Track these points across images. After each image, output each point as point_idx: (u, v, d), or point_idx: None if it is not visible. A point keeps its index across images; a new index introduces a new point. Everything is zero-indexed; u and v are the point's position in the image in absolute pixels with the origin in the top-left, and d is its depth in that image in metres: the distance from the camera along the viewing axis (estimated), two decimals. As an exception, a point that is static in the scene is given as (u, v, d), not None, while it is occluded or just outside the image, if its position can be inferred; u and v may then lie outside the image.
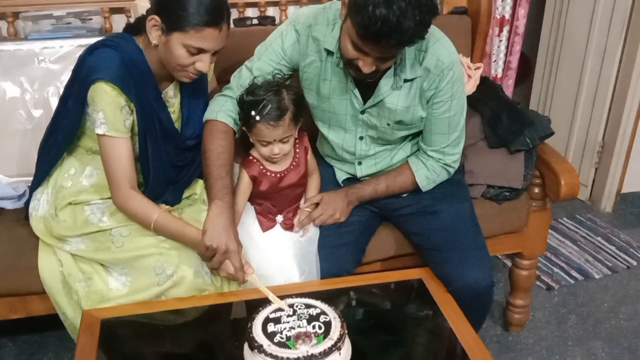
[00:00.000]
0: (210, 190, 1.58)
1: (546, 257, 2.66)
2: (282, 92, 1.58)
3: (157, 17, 1.45)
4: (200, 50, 1.46)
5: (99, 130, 1.50)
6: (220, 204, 1.54)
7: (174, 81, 1.64)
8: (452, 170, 1.77)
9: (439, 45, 1.59)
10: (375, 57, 1.45)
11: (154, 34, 1.48)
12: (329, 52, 1.62)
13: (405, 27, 1.34)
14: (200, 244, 1.50)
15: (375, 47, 1.41)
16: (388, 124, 1.68)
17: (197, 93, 1.69)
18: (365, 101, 1.66)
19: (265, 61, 1.67)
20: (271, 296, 1.40)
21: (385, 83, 1.61)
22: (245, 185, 1.67)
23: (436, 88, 1.61)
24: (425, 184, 1.76)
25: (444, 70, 1.59)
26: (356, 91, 1.65)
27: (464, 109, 1.71)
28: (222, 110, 1.65)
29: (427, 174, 1.75)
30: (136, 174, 1.60)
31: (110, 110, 1.48)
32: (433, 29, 1.58)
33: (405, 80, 1.61)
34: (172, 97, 1.65)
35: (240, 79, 1.69)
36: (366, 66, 1.47)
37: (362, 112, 1.68)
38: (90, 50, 1.53)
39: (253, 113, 1.55)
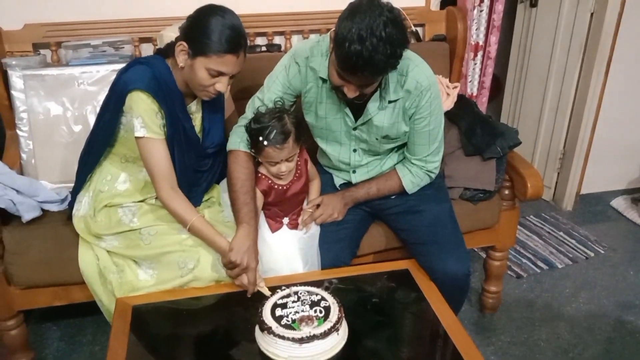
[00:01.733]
0: (237, 215, 1.58)
1: (516, 250, 2.66)
2: (284, 117, 1.58)
3: (184, 43, 1.47)
4: (220, 73, 1.47)
5: (139, 133, 1.49)
6: (247, 227, 1.54)
7: (196, 98, 1.65)
8: (433, 176, 1.77)
9: (418, 70, 1.59)
10: (356, 85, 1.45)
11: (182, 58, 1.49)
12: (324, 80, 1.62)
13: (376, 61, 1.34)
14: (226, 255, 1.50)
15: (354, 77, 1.41)
16: (376, 139, 1.68)
17: (216, 109, 1.70)
18: (356, 119, 1.66)
19: (274, 91, 1.66)
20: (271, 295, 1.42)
21: (373, 105, 1.61)
22: (258, 199, 1.67)
23: (417, 107, 1.61)
24: (410, 188, 1.76)
25: (422, 91, 1.58)
26: (348, 111, 1.65)
27: (442, 123, 1.71)
28: (242, 141, 1.64)
29: (412, 179, 1.74)
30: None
31: (147, 115, 1.49)
32: (413, 56, 1.60)
33: (390, 102, 1.61)
34: (195, 112, 1.66)
35: (254, 109, 1.67)
36: (350, 92, 1.47)
37: (354, 129, 1.68)
38: (126, 68, 1.55)
39: (261, 139, 1.55)
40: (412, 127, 1.66)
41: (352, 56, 1.33)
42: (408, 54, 1.58)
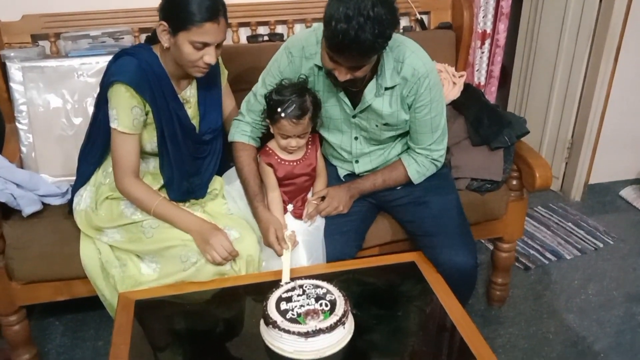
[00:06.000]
0: (250, 202, 1.67)
1: (523, 241, 2.64)
2: (305, 94, 1.59)
3: (164, 23, 1.47)
4: (205, 44, 1.47)
5: (112, 125, 1.52)
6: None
7: (191, 83, 1.65)
8: (439, 164, 1.75)
9: (415, 56, 1.57)
10: (347, 67, 1.44)
11: (164, 38, 1.49)
12: (319, 67, 1.61)
13: (362, 39, 1.33)
14: (192, 232, 1.54)
15: (342, 57, 1.40)
16: (376, 126, 1.68)
17: (212, 92, 1.71)
18: (355, 107, 1.65)
19: (267, 86, 1.67)
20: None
21: (369, 91, 1.60)
22: (270, 174, 1.69)
23: (415, 94, 1.60)
24: (416, 177, 1.74)
25: (420, 78, 1.57)
26: (346, 99, 1.64)
27: (444, 110, 1.69)
28: (237, 132, 1.73)
29: (418, 169, 1.73)
30: (158, 174, 1.63)
31: (121, 109, 1.50)
32: (410, 43, 1.59)
33: (386, 88, 1.60)
34: (189, 97, 1.66)
35: (249, 104, 1.73)
36: (341, 75, 1.46)
37: (354, 116, 1.68)
38: (115, 58, 1.56)
39: (279, 110, 1.56)
40: (414, 116, 1.65)
41: (338, 35, 1.32)
42: (405, 40, 1.59)
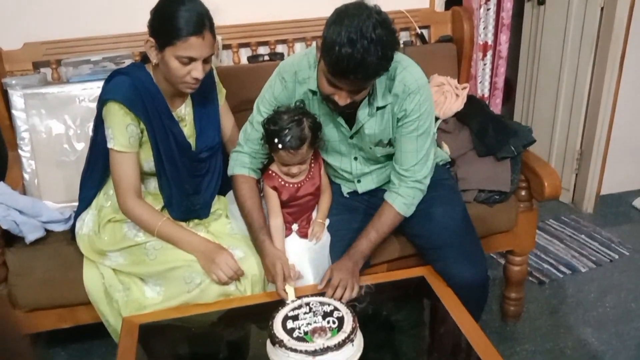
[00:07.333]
0: (256, 235, 1.61)
1: (536, 255, 2.60)
2: (303, 121, 1.56)
3: (151, 39, 1.48)
4: (191, 59, 1.47)
5: (109, 145, 1.52)
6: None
7: (186, 101, 1.65)
8: (423, 187, 1.65)
9: (406, 72, 1.55)
10: (348, 91, 1.43)
11: (153, 54, 1.50)
12: (314, 92, 1.59)
13: (368, 63, 1.32)
14: (198, 252, 1.53)
15: (346, 81, 1.39)
16: (370, 148, 1.66)
17: (208, 111, 1.70)
18: (351, 128, 1.64)
19: (262, 113, 1.65)
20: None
21: (362, 112, 1.58)
22: (274, 198, 1.66)
23: (405, 109, 1.56)
24: (405, 210, 1.65)
25: (410, 94, 1.54)
26: (342, 121, 1.62)
27: (431, 131, 1.64)
28: (236, 165, 1.69)
29: (404, 201, 1.64)
30: (159, 195, 1.63)
31: (116, 128, 1.51)
32: (401, 58, 1.57)
33: (378, 108, 1.58)
34: (185, 114, 1.66)
35: (246, 134, 1.69)
36: (341, 99, 1.45)
37: (351, 137, 1.66)
38: (108, 78, 1.57)
39: (276, 141, 1.54)
40: (400, 132, 1.60)
41: (343, 59, 1.31)
42: (397, 56, 1.55)
